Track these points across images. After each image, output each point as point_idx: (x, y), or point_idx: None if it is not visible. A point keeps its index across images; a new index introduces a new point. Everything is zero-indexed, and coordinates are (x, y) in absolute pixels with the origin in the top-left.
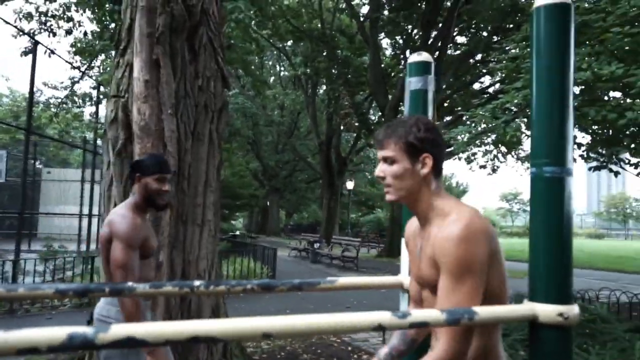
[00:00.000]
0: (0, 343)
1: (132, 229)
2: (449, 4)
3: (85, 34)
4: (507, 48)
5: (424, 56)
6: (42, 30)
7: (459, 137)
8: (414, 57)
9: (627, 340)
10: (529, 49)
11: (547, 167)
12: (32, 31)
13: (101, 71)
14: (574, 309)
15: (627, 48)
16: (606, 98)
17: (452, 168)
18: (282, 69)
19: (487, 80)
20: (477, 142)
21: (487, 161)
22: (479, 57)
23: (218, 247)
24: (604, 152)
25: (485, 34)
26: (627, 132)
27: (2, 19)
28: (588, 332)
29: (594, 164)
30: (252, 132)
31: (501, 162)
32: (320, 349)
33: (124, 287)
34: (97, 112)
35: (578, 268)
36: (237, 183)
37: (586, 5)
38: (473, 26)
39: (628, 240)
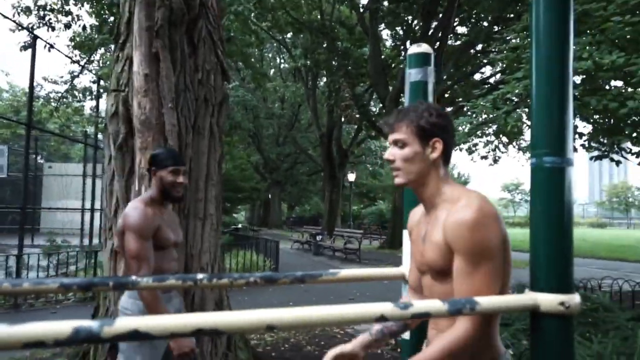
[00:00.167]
0: (7, 337)
1: (143, 219)
2: None
3: (84, 27)
4: (507, 38)
5: (424, 47)
6: (40, 25)
7: (460, 128)
8: (413, 49)
9: (630, 328)
10: (529, 39)
11: (547, 157)
12: (30, 25)
13: (101, 65)
14: (575, 298)
15: (628, 37)
16: (607, 87)
17: (454, 159)
18: (282, 61)
19: (487, 70)
20: (478, 132)
21: (489, 152)
22: (479, 47)
23: (220, 241)
24: (605, 141)
25: (485, 24)
26: (629, 121)
27: (0, 13)
28: (591, 320)
29: (596, 153)
30: (253, 125)
31: (502, 153)
32: (324, 341)
33: (128, 280)
34: (97, 106)
35: (580, 257)
36: (238, 176)
37: None
38: (473, 16)
39: (630, 229)
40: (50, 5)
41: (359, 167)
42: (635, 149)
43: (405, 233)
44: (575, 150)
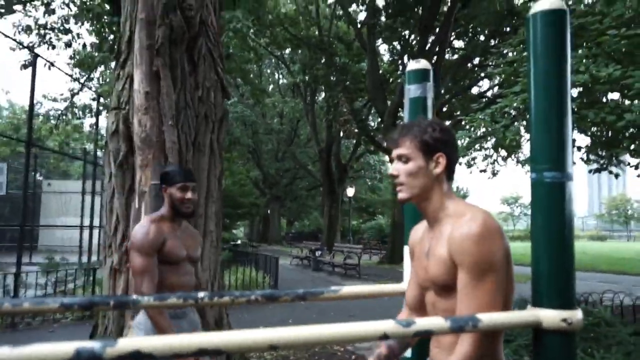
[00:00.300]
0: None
1: (144, 237)
2: (445, 8)
3: (84, 46)
4: (504, 52)
5: (423, 63)
6: (41, 44)
7: (458, 142)
8: (412, 65)
9: (632, 343)
10: (525, 53)
11: (548, 172)
12: (31, 44)
13: (101, 82)
14: (577, 314)
15: (624, 50)
16: (604, 100)
17: None
18: (281, 76)
19: (485, 84)
20: (476, 146)
21: (487, 165)
22: (476, 61)
23: (220, 257)
24: (603, 154)
25: (482, 38)
26: (627, 134)
27: (1, 32)
28: (593, 335)
29: (594, 166)
30: (252, 140)
31: (501, 166)
32: (324, 358)
33: (129, 300)
34: (97, 124)
35: (581, 271)
36: (237, 192)
37: (582, 7)
38: (470, 30)
39: (630, 241)
40: (50, 24)
41: (358, 182)
42: (633, 161)
43: (406, 249)
44: (573, 163)
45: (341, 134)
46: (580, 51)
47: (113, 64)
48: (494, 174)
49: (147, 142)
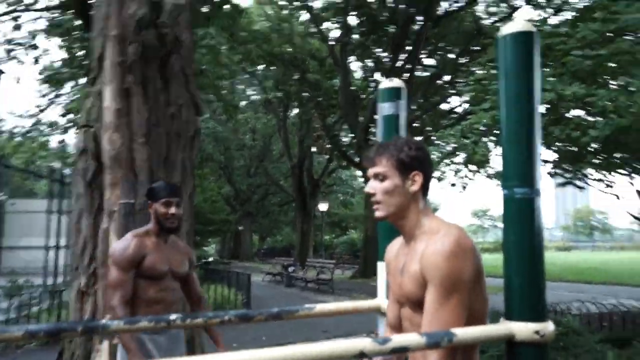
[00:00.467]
0: None
1: (123, 251)
2: (417, 27)
3: (52, 63)
4: (473, 70)
5: (395, 82)
6: (8, 60)
7: None
8: (385, 83)
9: (599, 351)
10: (494, 71)
11: (518, 188)
12: None
13: (71, 99)
14: (549, 327)
15: (587, 69)
16: (568, 116)
17: None
18: (254, 92)
19: (455, 100)
20: (447, 161)
21: (458, 179)
22: (447, 78)
23: None
24: (569, 168)
25: (452, 55)
26: (591, 149)
27: None
28: (562, 345)
29: (561, 180)
30: (224, 156)
31: (470, 180)
32: None
33: (98, 325)
34: (63, 140)
35: (549, 281)
36: (208, 208)
37: (548, 28)
38: (440, 48)
39: (594, 251)
40: (17, 40)
41: (331, 197)
42: (597, 175)
43: (380, 265)
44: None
45: (313, 149)
46: (546, 70)
47: (83, 80)
48: (464, 187)
49: (116, 161)
